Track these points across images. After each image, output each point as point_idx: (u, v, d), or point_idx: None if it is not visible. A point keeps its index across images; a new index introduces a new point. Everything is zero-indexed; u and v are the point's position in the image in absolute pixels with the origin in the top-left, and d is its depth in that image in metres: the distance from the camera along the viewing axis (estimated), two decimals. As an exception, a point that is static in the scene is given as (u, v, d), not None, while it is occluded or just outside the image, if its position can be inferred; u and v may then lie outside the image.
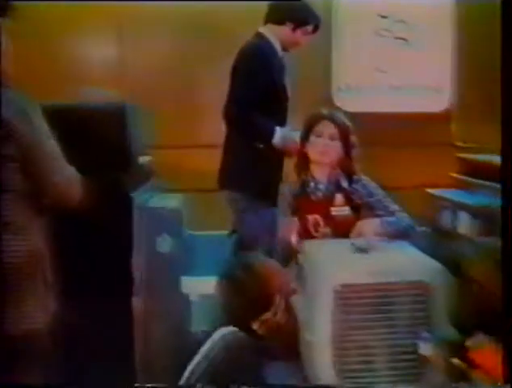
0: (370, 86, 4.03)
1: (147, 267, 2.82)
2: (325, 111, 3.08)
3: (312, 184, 3.06)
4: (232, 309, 2.38)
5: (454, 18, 3.99)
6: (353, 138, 3.06)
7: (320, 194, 3.05)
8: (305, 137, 3.06)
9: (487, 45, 4.04)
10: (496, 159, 3.03)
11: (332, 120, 3.03)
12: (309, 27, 3.47)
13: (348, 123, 3.07)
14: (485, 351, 2.05)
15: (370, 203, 3.04)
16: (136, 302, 2.79)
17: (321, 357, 2.50)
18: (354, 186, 3.06)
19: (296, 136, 3.18)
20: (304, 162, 3.08)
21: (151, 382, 2.81)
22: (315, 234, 2.98)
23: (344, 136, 3.03)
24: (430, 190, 3.24)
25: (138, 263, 2.77)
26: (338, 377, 2.50)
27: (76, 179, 2.05)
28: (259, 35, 3.48)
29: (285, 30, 3.44)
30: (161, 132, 3.87)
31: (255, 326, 2.39)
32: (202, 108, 4.12)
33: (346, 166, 3.06)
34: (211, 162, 4.03)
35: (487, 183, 3.01)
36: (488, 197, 2.91)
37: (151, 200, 3.00)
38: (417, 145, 3.98)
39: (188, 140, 4.09)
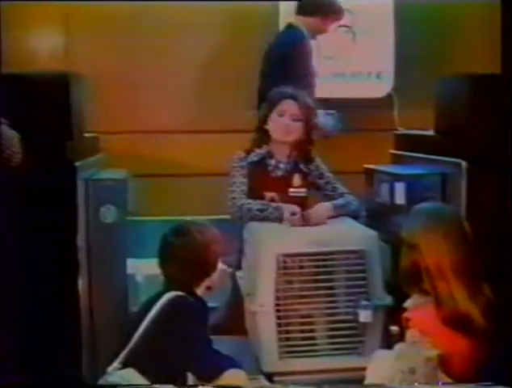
0: (315, 73, 4.11)
1: (91, 239, 2.83)
2: (289, 90, 3.10)
3: (272, 162, 3.08)
4: (174, 275, 2.42)
5: (395, 6, 4.10)
6: (315, 119, 3.11)
7: (280, 173, 3.09)
8: (267, 114, 3.06)
9: (427, 33, 4.21)
10: (429, 133, 3.15)
11: (295, 99, 3.04)
12: (335, 17, 3.88)
13: (312, 104, 3.11)
14: (421, 310, 2.12)
15: (319, 184, 3.11)
16: (81, 274, 2.79)
17: (264, 327, 2.56)
18: (309, 167, 3.12)
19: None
20: (264, 138, 3.09)
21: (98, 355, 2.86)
22: None
23: (307, 116, 3.05)
24: (367, 165, 3.33)
25: (82, 234, 2.77)
26: (281, 347, 2.56)
27: (17, 141, 2.06)
28: (293, 26, 3.81)
29: (316, 21, 3.82)
30: (110, 118, 3.88)
31: (199, 292, 2.43)
32: (154, 95, 4.14)
33: (304, 147, 3.10)
34: (161, 148, 4.10)
35: (420, 155, 3.14)
36: (421, 168, 3.01)
37: (96, 174, 3.01)
38: (360, 130, 4.10)
39: (141, 125, 4.10)
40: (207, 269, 2.45)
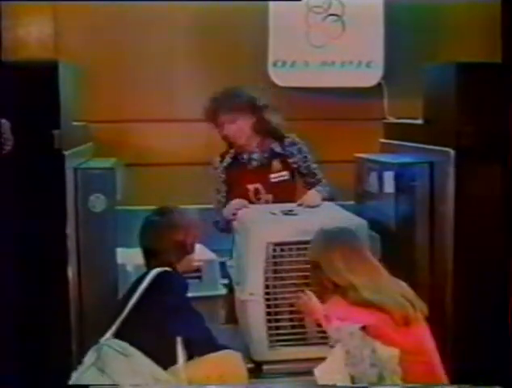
0: (304, 62, 4.08)
1: (80, 228, 2.82)
2: (213, 101, 3.07)
3: (245, 156, 3.11)
4: (154, 250, 2.54)
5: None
6: (263, 100, 3.08)
7: (255, 163, 3.11)
8: (215, 125, 3.10)
9: (417, 22, 4.22)
10: (418, 122, 3.16)
11: (223, 105, 3.04)
12: None
13: (242, 93, 3.08)
14: (332, 304, 2.30)
15: (302, 168, 3.12)
16: (70, 264, 2.78)
17: (254, 316, 2.58)
18: (289, 149, 3.12)
19: None
20: (228, 143, 3.14)
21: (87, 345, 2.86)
22: (257, 202, 3.04)
23: (246, 107, 3.05)
24: (357, 154, 3.34)
25: (71, 223, 2.76)
26: (270, 335, 2.57)
27: (8, 128, 2.06)
28: None
29: None
30: (99, 106, 3.86)
31: (179, 268, 2.54)
32: (143, 83, 4.12)
33: (267, 130, 3.09)
34: (150, 136, 4.09)
35: (409, 143, 3.16)
36: (410, 157, 3.02)
37: (85, 163, 3.00)
38: (350, 119, 4.10)
39: (130, 114, 4.08)
40: (185, 247, 2.55)
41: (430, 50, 4.02)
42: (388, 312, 2.20)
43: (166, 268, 2.47)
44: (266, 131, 3.10)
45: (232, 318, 2.97)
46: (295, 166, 3.11)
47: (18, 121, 2.27)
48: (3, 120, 2.11)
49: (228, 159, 3.13)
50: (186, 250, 2.56)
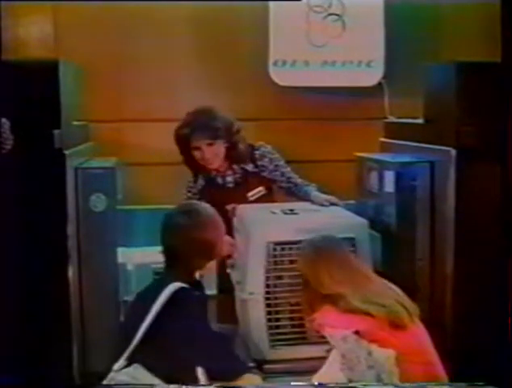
0: (305, 61, 4.08)
1: (81, 227, 2.83)
2: (187, 123, 3.03)
3: (219, 180, 3.12)
4: (177, 255, 2.30)
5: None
6: (233, 126, 3.07)
7: (230, 185, 3.13)
8: (186, 152, 3.07)
9: (418, 21, 4.22)
10: (419, 121, 3.16)
11: (200, 127, 3.00)
12: None
13: (219, 116, 3.05)
14: (325, 312, 2.28)
15: (276, 177, 3.14)
16: (71, 263, 2.79)
17: (254, 315, 2.57)
18: (260, 163, 3.13)
19: None
20: (199, 167, 3.11)
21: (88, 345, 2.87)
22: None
23: (222, 131, 3.03)
24: (358, 154, 3.34)
25: (72, 223, 2.77)
26: (271, 335, 2.57)
27: (7, 127, 2.07)
28: None
29: None
30: (100, 106, 3.87)
31: (198, 275, 2.35)
32: (144, 83, 4.12)
33: (238, 154, 3.10)
34: (151, 136, 4.09)
35: (410, 143, 3.16)
36: (411, 156, 3.02)
37: (86, 162, 3.01)
38: (350, 119, 4.11)
39: (130, 114, 4.08)
40: (209, 251, 2.34)
41: (430, 49, 4.03)
42: (380, 318, 2.20)
43: (183, 285, 2.22)
44: (236, 155, 3.10)
45: (224, 319, 2.96)
46: (269, 177, 3.13)
47: (19, 120, 2.27)
48: (3, 120, 2.12)
49: (201, 181, 3.13)
50: (206, 253, 2.33)
